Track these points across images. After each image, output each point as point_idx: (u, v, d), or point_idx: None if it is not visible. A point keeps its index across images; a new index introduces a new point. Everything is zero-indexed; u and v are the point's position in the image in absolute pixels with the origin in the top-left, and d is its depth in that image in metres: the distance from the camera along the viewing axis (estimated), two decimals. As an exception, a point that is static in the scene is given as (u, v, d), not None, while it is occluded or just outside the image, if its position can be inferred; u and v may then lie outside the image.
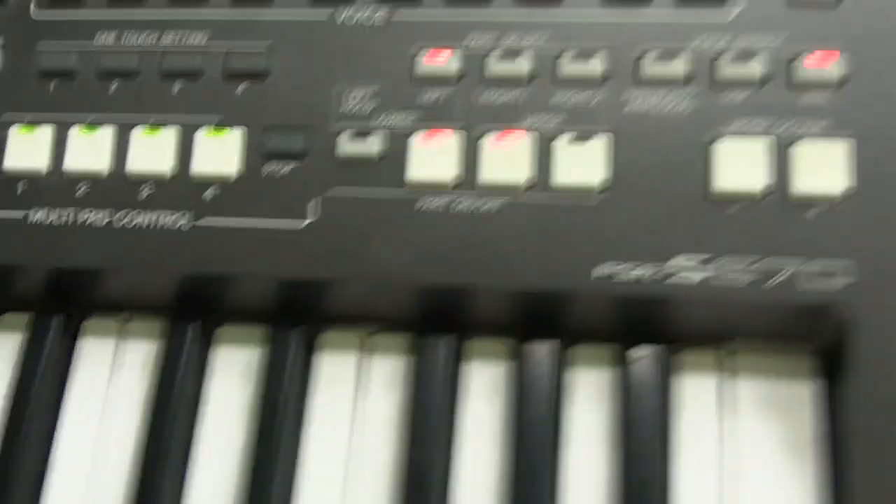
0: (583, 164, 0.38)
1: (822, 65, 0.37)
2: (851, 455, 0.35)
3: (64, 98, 0.42)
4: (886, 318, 0.35)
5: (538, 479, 0.37)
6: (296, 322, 0.42)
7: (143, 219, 0.41)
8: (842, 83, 0.37)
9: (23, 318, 0.44)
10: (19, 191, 0.42)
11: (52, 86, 0.42)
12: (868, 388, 0.35)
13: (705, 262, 0.37)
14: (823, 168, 0.36)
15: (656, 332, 0.39)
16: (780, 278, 0.36)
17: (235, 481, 0.40)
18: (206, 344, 0.43)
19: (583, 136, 0.38)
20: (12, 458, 0.41)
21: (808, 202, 0.36)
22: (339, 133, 0.40)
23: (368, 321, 0.42)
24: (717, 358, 0.39)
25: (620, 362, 0.39)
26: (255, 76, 0.41)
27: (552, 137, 0.38)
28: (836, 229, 0.36)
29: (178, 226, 0.40)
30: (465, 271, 0.38)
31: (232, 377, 0.42)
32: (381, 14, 0.41)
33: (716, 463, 0.38)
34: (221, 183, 0.40)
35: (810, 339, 0.38)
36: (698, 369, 0.39)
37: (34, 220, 0.41)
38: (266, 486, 0.39)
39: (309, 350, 0.42)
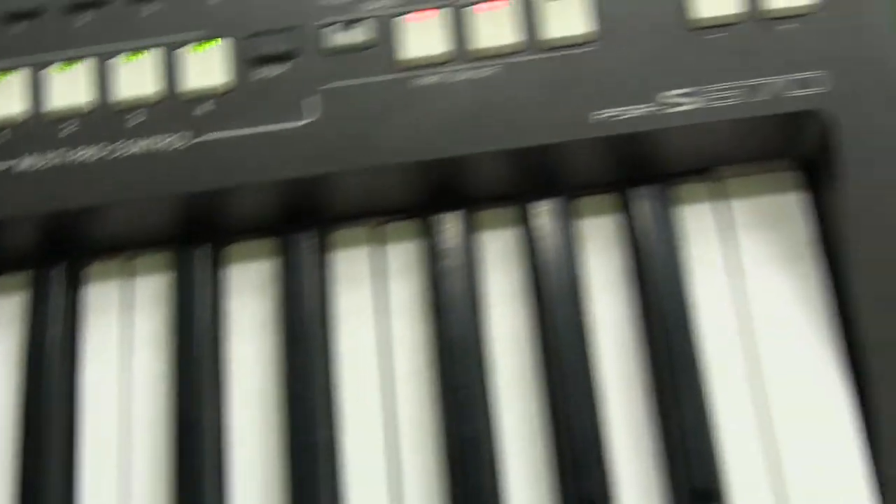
0: (567, 17, 0.39)
1: None
2: (848, 254, 0.38)
3: (34, 38, 0.41)
4: (863, 121, 0.38)
5: (564, 333, 0.39)
6: (305, 227, 0.42)
7: (138, 146, 0.40)
8: None
9: (20, 277, 0.43)
10: (1, 141, 0.41)
11: (19, 28, 0.41)
12: (856, 188, 0.38)
13: (694, 92, 0.39)
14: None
15: (651, 172, 0.41)
16: (768, 92, 0.38)
17: (270, 388, 0.40)
18: (216, 266, 0.42)
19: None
20: (40, 413, 0.40)
21: (782, 17, 0.39)
22: (324, 27, 0.40)
23: (378, 214, 0.43)
24: (710, 187, 0.41)
25: (623, 208, 0.41)
26: (228, -13, 0.41)
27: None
28: (810, 41, 0.39)
29: (176, 146, 0.40)
30: (471, 140, 0.39)
31: (250, 293, 0.42)
32: None
33: (726, 283, 0.40)
34: (214, 96, 0.40)
35: (796, 152, 0.41)
36: (694, 200, 0.41)
37: (21, 169, 0.40)
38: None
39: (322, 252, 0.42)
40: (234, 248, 0.43)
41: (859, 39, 0.39)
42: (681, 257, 0.40)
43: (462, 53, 0.40)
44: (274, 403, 0.40)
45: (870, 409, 0.37)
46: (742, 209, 0.41)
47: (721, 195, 0.41)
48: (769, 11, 0.39)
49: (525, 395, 0.39)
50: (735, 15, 0.39)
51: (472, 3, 0.40)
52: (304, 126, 0.40)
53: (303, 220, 0.42)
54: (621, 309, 0.40)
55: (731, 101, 0.38)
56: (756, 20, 0.39)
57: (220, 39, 0.41)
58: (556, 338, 0.39)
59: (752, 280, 0.40)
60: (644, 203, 0.41)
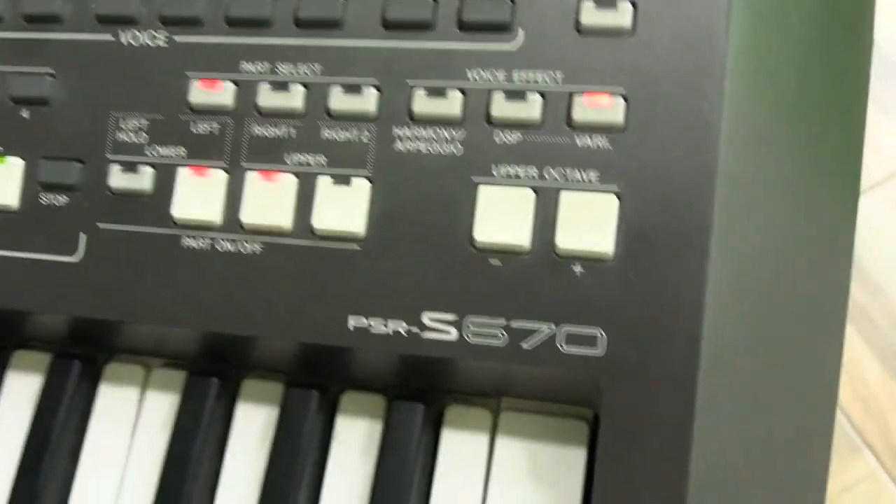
0: (344, 207, 0.36)
1: (600, 106, 0.34)
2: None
3: None
4: (637, 391, 0.32)
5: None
6: (77, 355, 0.41)
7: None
8: (618, 129, 0.34)
9: None
10: None
11: None
12: (605, 468, 0.32)
13: (460, 319, 0.34)
14: (591, 224, 0.33)
15: (425, 384, 0.37)
16: (537, 341, 0.33)
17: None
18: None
19: (347, 178, 0.36)
20: None
21: (573, 261, 0.33)
22: (111, 165, 0.38)
23: (154, 355, 0.41)
24: (484, 415, 0.37)
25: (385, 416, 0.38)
26: (38, 102, 0.40)
27: (317, 177, 0.36)
28: (598, 294, 0.33)
29: (-43, 254, 0.40)
30: (227, 317, 0.36)
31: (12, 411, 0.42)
32: (162, 35, 0.39)
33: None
34: (2, 214, 0.39)
35: (581, 403, 0.36)
36: (462, 426, 0.37)
37: None
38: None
39: (93, 383, 0.41)
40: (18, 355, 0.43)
41: (656, 305, 0.33)
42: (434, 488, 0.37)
43: (234, 222, 0.37)
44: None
45: None
46: (515, 450, 0.36)
47: (495, 428, 0.37)
48: (561, 251, 0.34)
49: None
50: (520, 246, 0.34)
51: (256, 170, 0.37)
52: (75, 263, 0.38)
53: (78, 346, 0.41)
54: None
55: (493, 342, 0.34)
56: (545, 257, 0.34)
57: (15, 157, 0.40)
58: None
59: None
60: (400, 416, 0.37)
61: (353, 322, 0.35)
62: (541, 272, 0.34)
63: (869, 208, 0.92)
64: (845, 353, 0.37)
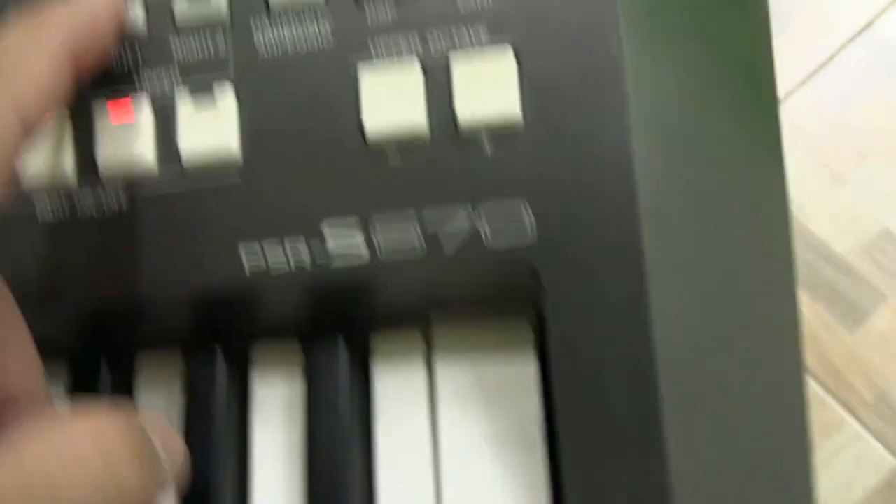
0: (213, 131, 0.30)
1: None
2: (559, 434, 0.28)
3: None
4: (579, 266, 0.28)
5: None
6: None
7: None
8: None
9: None
10: None
11: None
12: (560, 363, 0.28)
13: (365, 219, 0.29)
14: (490, 86, 0.29)
15: (340, 316, 0.32)
16: (455, 226, 0.29)
17: None
18: None
19: (212, 98, 0.31)
20: None
21: (479, 133, 0.29)
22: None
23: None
24: (414, 336, 0.32)
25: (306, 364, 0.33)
26: None
27: (175, 102, 0.31)
28: (519, 164, 0.29)
29: None
30: (102, 288, 0.31)
31: None
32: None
33: (427, 468, 0.31)
34: None
35: (520, 304, 0.31)
36: (397, 358, 0.32)
37: None
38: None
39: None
40: None
41: (581, 163, 0.28)
42: (367, 429, 0.32)
43: (91, 172, 0.31)
44: None
45: None
46: (459, 373, 0.32)
47: (433, 352, 0.32)
48: (463, 124, 0.29)
49: None
50: (418, 129, 0.29)
51: (104, 106, 0.32)
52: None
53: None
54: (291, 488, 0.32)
55: (405, 238, 0.29)
56: (444, 136, 0.29)
57: None
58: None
59: (463, 465, 0.31)
60: (320, 354, 0.32)
61: (244, 251, 0.30)
62: (445, 153, 0.29)
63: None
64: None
